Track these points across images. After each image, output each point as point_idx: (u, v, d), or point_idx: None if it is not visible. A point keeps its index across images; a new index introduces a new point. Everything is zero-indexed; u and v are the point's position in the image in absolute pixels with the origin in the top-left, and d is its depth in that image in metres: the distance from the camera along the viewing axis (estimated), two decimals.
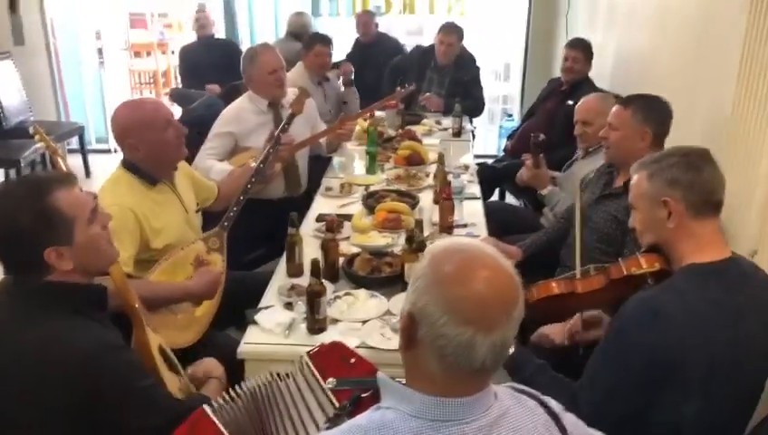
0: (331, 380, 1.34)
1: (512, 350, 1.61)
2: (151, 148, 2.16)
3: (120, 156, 2.26)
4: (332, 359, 1.43)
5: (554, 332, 2.00)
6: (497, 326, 0.96)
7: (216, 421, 1.29)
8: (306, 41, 4.34)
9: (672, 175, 1.52)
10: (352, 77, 4.59)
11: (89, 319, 1.44)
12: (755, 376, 1.50)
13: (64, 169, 2.17)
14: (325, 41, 4.28)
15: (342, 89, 4.44)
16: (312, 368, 1.38)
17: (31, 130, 2.25)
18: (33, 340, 1.36)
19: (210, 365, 1.83)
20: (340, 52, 5.04)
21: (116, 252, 1.59)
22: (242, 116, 3.16)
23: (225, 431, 1.27)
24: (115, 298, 1.68)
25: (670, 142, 2.27)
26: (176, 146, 2.23)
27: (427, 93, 4.59)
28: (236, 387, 1.37)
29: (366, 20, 5.28)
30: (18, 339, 1.37)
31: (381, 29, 5.54)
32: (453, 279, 0.97)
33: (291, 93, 3.32)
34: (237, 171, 2.73)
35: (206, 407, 1.31)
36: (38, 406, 1.34)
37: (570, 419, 1.11)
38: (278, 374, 1.43)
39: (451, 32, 4.58)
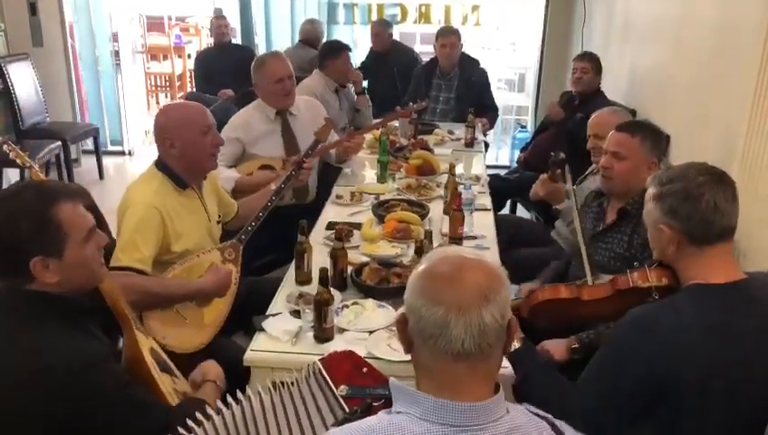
0: (343, 387, 1.34)
1: (516, 345, 1.63)
2: (187, 147, 2.19)
3: (135, 160, 2.26)
4: (345, 367, 1.42)
5: (556, 348, 2.00)
6: (469, 307, 1.00)
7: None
8: (335, 48, 4.33)
9: (670, 204, 1.47)
10: (362, 87, 4.58)
11: (72, 329, 1.42)
12: (757, 403, 1.45)
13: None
14: (348, 48, 4.39)
15: (355, 97, 4.46)
16: (325, 374, 1.37)
17: (5, 148, 2.17)
18: (15, 353, 1.35)
19: (207, 367, 1.81)
20: (355, 60, 5.05)
21: (104, 273, 1.59)
22: (250, 123, 3.16)
23: None
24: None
25: (686, 157, 2.23)
26: (210, 154, 2.27)
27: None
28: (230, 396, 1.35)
29: (378, 30, 5.28)
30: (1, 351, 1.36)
31: (404, 36, 5.50)
32: (429, 270, 1.06)
33: (301, 102, 3.32)
34: (257, 194, 2.71)
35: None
36: (21, 418, 1.32)
37: None
38: (281, 383, 1.42)
39: (449, 33, 4.64)
